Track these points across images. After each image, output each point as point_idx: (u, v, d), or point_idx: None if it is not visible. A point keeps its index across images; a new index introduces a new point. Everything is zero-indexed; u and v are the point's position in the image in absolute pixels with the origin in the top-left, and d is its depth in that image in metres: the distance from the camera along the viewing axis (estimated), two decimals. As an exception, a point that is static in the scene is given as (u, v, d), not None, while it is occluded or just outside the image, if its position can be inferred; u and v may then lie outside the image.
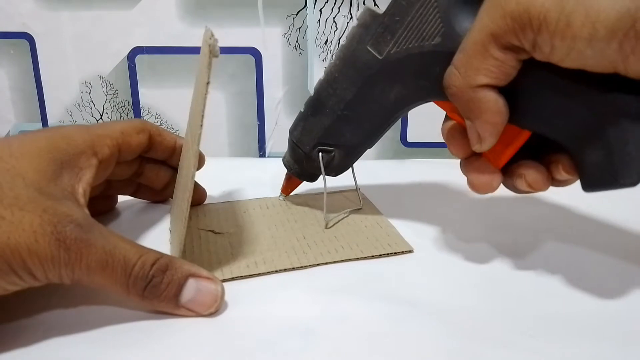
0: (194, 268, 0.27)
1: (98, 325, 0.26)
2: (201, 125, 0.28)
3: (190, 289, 0.26)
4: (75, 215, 0.24)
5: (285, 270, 0.30)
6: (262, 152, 0.55)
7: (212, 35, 0.26)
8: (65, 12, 0.50)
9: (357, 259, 0.32)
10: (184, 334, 0.25)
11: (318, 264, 0.31)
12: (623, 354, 0.24)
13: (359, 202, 0.39)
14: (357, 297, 0.28)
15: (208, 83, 0.27)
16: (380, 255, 0.32)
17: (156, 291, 0.25)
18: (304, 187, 0.41)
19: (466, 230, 0.36)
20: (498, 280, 0.30)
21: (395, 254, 0.32)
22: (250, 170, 0.48)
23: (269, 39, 0.51)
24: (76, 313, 0.27)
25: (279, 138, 0.54)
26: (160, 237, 0.35)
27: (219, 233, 0.35)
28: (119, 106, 0.53)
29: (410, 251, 0.33)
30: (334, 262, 0.31)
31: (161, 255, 0.26)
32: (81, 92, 0.53)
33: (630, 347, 0.24)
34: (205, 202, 0.40)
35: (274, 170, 0.48)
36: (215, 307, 0.27)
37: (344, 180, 0.38)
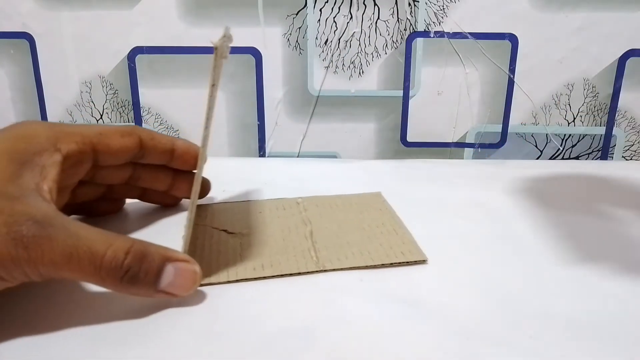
0: (170, 252, 0.27)
1: (95, 324, 0.26)
2: (206, 127, 0.28)
3: (169, 273, 0.26)
4: (32, 213, 0.24)
5: (291, 275, 0.30)
6: (262, 152, 0.55)
7: (224, 35, 0.25)
8: (65, 12, 0.50)
9: (367, 267, 0.31)
10: (183, 334, 0.25)
11: (325, 270, 0.30)
12: (624, 355, 0.24)
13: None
14: (357, 297, 0.28)
15: (213, 85, 0.26)
16: (391, 264, 0.31)
17: (134, 281, 0.25)
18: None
19: (465, 230, 0.36)
20: (498, 280, 0.30)
21: (408, 263, 0.31)
22: (250, 170, 0.48)
23: (269, 39, 0.51)
24: (72, 311, 0.27)
25: (279, 138, 0.54)
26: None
27: (232, 233, 0.35)
28: (119, 106, 0.53)
29: (423, 261, 0.31)
30: (342, 269, 0.30)
31: (133, 241, 0.26)
32: (81, 92, 0.53)
33: (631, 347, 0.24)
34: (219, 201, 0.40)
35: (274, 170, 0.48)
36: (193, 288, 0.27)
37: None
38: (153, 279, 0.26)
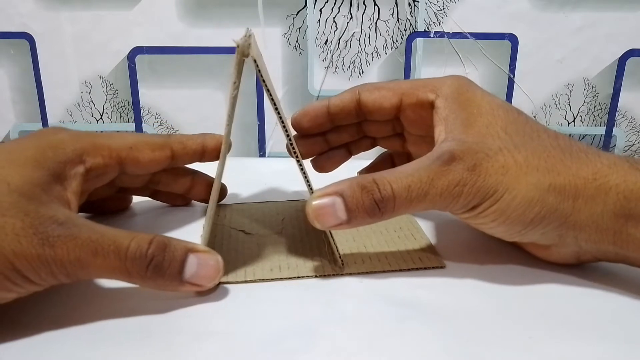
0: (190, 244, 0.27)
1: (97, 325, 0.26)
2: (227, 125, 0.28)
3: (192, 264, 0.26)
4: (57, 216, 0.25)
5: (307, 277, 0.30)
6: (262, 152, 0.55)
7: (245, 34, 0.26)
8: (65, 12, 0.50)
9: (384, 271, 0.30)
10: (184, 334, 0.25)
11: (343, 274, 0.30)
12: (623, 354, 0.24)
13: None
14: (358, 297, 0.28)
15: (234, 83, 0.27)
16: (409, 269, 0.30)
17: (160, 270, 0.25)
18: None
19: (464, 230, 0.36)
20: (498, 280, 0.30)
21: (426, 269, 0.31)
22: (250, 170, 0.48)
23: (269, 39, 0.51)
24: (72, 312, 0.27)
25: (279, 138, 0.54)
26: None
27: (249, 234, 0.35)
28: (119, 106, 0.53)
29: (441, 267, 0.31)
30: (359, 273, 0.30)
31: (154, 234, 0.26)
32: (81, 92, 0.53)
33: (631, 347, 0.24)
34: (237, 201, 0.40)
35: (274, 170, 0.48)
36: (218, 279, 0.27)
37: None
38: (177, 269, 0.26)
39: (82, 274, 0.25)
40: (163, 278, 0.26)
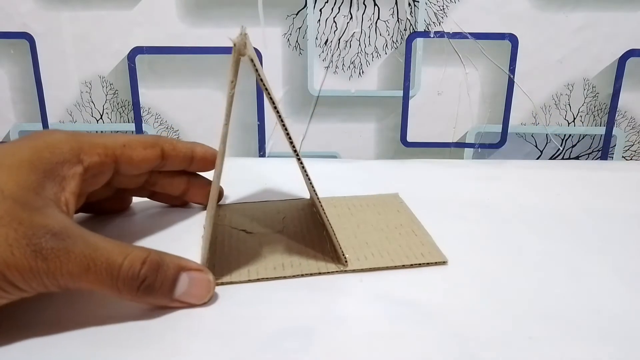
0: (184, 261, 0.27)
1: (97, 325, 0.26)
2: (225, 124, 0.28)
3: (183, 282, 0.26)
4: (51, 225, 0.24)
5: (311, 274, 0.30)
6: (262, 152, 0.55)
7: (241, 33, 0.26)
8: (65, 12, 0.50)
9: (387, 267, 0.30)
10: (184, 334, 0.25)
11: (346, 271, 0.30)
12: (624, 354, 0.24)
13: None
14: (357, 297, 0.28)
15: (231, 82, 0.27)
16: (411, 265, 0.31)
17: (151, 290, 0.25)
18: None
19: (463, 229, 0.36)
20: (497, 280, 0.30)
21: (428, 264, 0.31)
22: (250, 170, 0.48)
23: (269, 39, 0.51)
24: (73, 313, 0.27)
25: (279, 138, 0.54)
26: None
27: (251, 233, 0.35)
28: (119, 106, 0.53)
29: (443, 262, 0.31)
30: (362, 270, 0.30)
31: (149, 251, 0.26)
32: (81, 92, 0.53)
33: (630, 347, 0.24)
34: (237, 201, 0.40)
35: (274, 171, 0.48)
36: (208, 297, 0.27)
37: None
38: (168, 289, 0.26)
39: (73, 286, 0.25)
40: (153, 297, 0.26)
